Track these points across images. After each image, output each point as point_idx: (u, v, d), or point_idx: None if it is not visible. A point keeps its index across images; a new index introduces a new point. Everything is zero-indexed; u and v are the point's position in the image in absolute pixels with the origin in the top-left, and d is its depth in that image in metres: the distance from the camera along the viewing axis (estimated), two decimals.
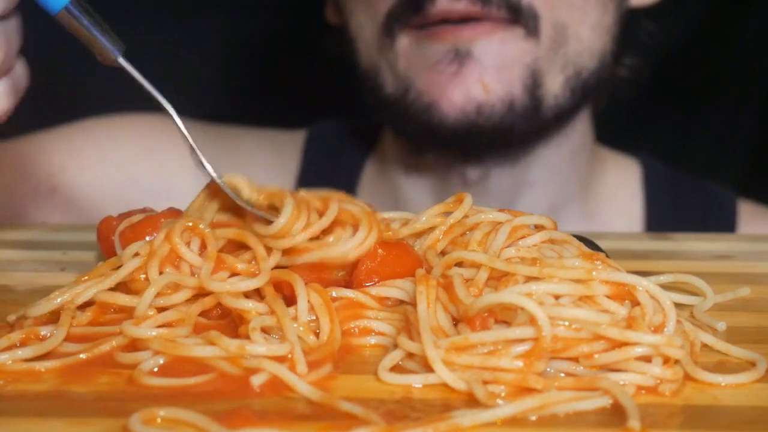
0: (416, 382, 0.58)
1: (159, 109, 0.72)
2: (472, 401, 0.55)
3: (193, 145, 0.70)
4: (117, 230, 0.74)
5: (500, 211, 0.70)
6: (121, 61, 0.70)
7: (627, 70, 1.14)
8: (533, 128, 1.02)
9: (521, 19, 0.97)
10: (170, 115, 0.71)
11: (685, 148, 1.50)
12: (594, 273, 0.60)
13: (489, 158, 1.06)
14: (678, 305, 0.61)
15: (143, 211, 0.76)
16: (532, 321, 0.57)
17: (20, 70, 0.71)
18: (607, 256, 0.66)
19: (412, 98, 1.01)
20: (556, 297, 0.60)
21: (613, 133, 1.22)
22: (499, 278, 0.63)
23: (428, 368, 0.58)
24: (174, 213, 0.74)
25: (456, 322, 0.61)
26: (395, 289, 0.66)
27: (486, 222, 0.70)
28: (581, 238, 0.71)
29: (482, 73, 0.98)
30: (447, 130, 0.99)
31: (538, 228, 0.69)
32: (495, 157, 1.06)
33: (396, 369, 0.59)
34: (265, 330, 0.62)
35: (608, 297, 0.60)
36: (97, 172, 1.13)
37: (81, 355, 0.60)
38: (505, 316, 0.59)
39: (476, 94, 0.98)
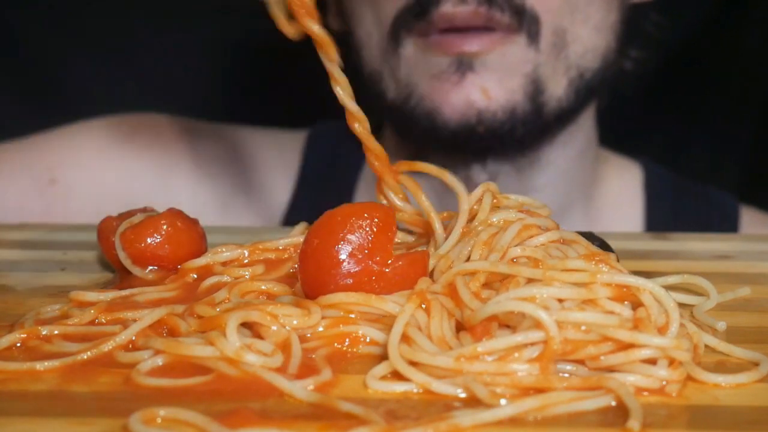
0: (402, 389, 0.57)
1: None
2: (472, 401, 0.55)
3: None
4: (117, 230, 0.74)
5: (519, 211, 0.70)
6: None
7: (632, 62, 1.13)
8: (535, 131, 1.03)
9: (524, 24, 0.97)
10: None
11: (684, 153, 1.49)
12: (598, 276, 0.60)
13: (492, 160, 1.06)
14: (679, 305, 0.61)
15: (144, 210, 0.76)
16: (538, 325, 0.57)
17: None
18: (617, 257, 0.66)
19: (414, 104, 1.01)
20: (560, 301, 0.59)
21: (615, 137, 1.22)
22: (501, 280, 0.63)
23: (430, 374, 0.57)
24: (175, 214, 0.74)
25: (459, 329, 0.61)
26: (390, 304, 0.65)
27: (495, 224, 0.70)
28: (592, 236, 0.70)
29: (483, 82, 0.98)
30: (449, 133, 1.00)
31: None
32: (499, 159, 1.07)
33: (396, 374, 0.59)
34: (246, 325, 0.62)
35: (609, 299, 0.60)
36: (95, 172, 1.13)
37: (81, 355, 0.60)
38: (508, 320, 0.59)
39: (477, 101, 0.98)
